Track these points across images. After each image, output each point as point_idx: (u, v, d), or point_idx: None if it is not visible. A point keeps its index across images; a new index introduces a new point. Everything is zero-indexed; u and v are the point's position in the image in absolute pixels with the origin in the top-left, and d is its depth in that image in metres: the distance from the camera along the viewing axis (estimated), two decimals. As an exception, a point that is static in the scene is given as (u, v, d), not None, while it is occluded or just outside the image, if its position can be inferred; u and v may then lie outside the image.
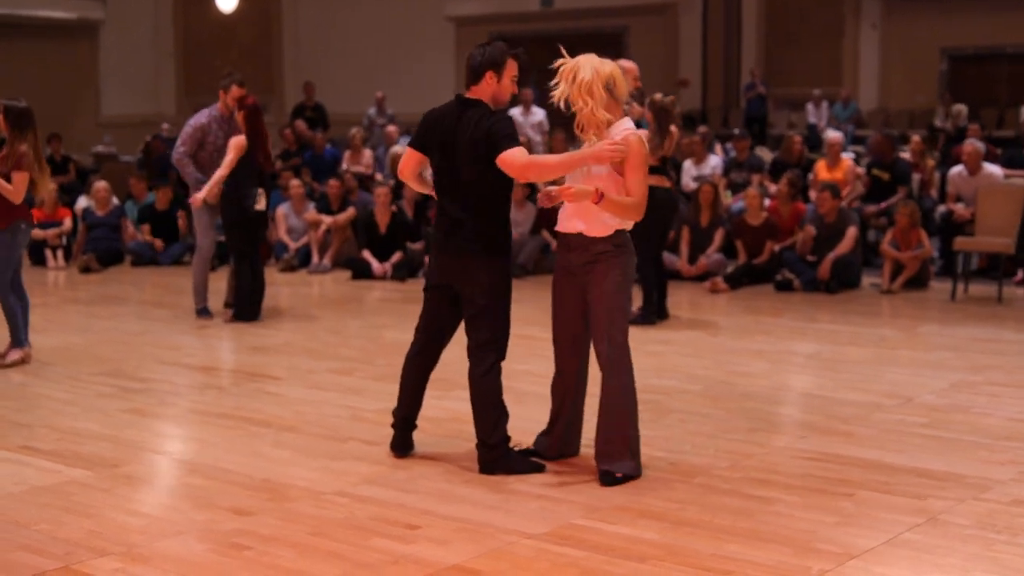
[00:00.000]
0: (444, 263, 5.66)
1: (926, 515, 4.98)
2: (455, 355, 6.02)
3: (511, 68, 5.56)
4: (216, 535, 4.81)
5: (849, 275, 11.99)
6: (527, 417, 6.13)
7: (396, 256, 13.16)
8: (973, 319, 10.23)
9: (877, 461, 5.80)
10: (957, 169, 12.97)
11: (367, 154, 16.76)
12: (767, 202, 13.05)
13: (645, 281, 9.66)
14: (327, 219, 14.05)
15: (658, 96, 9.51)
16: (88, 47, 24.86)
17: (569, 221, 5.50)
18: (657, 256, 9.84)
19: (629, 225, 5.49)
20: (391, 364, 8.09)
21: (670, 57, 22.73)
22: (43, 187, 8.42)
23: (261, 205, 9.85)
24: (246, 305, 10.05)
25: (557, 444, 5.79)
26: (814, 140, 18.29)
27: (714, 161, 14.56)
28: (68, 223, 14.73)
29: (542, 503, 5.19)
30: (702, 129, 17.50)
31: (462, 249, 5.56)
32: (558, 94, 5.41)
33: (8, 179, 8.03)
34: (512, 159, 5.36)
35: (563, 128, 14.72)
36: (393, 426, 5.90)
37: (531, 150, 5.43)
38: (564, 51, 5.45)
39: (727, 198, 13.96)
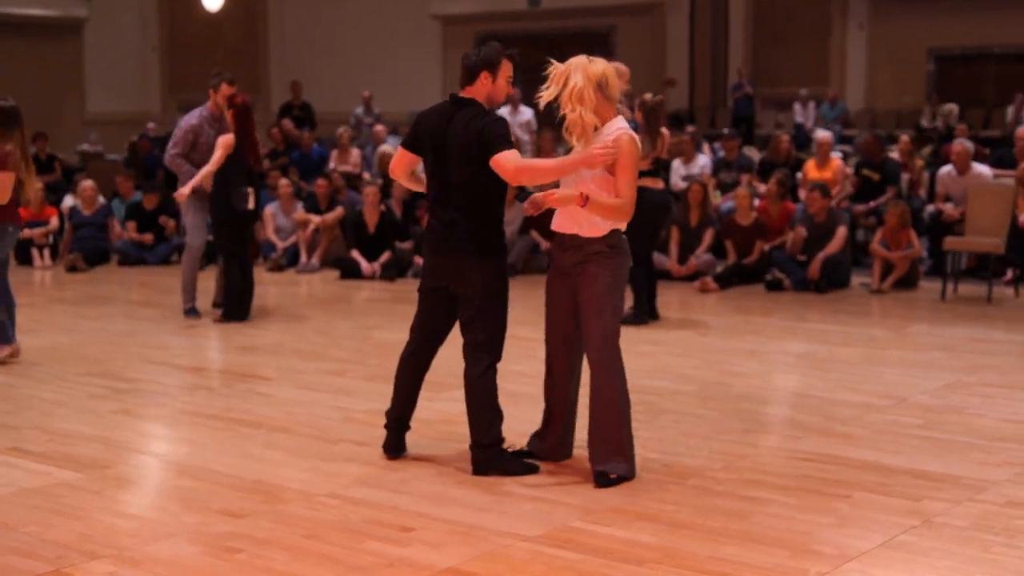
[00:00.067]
0: (437, 264, 5.63)
1: (922, 517, 4.96)
2: (447, 356, 5.99)
3: (506, 69, 5.53)
4: (208, 537, 4.77)
5: (839, 275, 12.00)
6: (520, 418, 6.10)
7: (385, 256, 13.12)
8: (963, 319, 10.24)
9: (872, 462, 5.78)
10: (946, 169, 12.98)
11: (355, 153, 16.72)
12: (756, 202, 13.04)
13: (634, 282, 9.63)
14: (315, 218, 14.00)
15: (648, 96, 9.47)
16: (73, 45, 24.75)
17: (564, 221, 5.47)
18: (647, 256, 9.81)
19: (623, 226, 5.46)
20: (381, 365, 8.07)
21: (657, 57, 22.71)
22: (30, 187, 8.36)
23: (251, 204, 9.79)
24: (235, 305, 9.99)
25: (553, 447, 5.76)
26: (801, 140, 18.31)
27: (703, 160, 14.55)
28: (54, 222, 14.66)
29: (537, 505, 5.16)
30: (690, 128, 17.49)
31: (455, 250, 5.53)
32: (545, 96, 5.39)
33: (-6, 179, 7.97)
34: (505, 163, 5.33)
35: (551, 128, 14.71)
36: (386, 427, 5.86)
37: (519, 149, 5.41)
38: (555, 62, 5.43)
39: (716, 198, 13.95)
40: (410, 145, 5.68)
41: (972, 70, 21.33)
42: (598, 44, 20.03)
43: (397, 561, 4.49)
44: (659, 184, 9.63)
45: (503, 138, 5.37)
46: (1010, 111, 19.31)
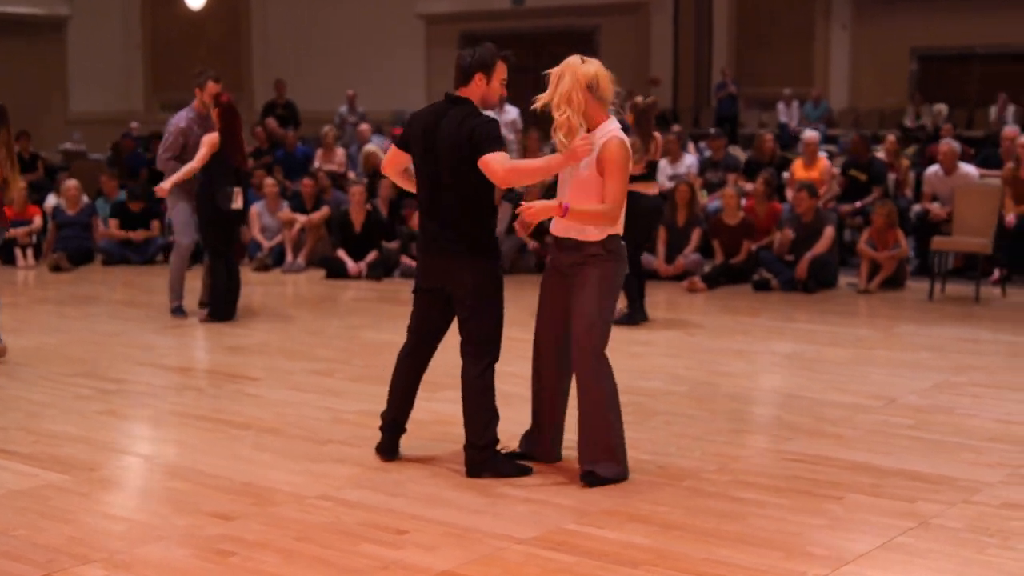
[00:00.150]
0: (430, 265, 5.60)
1: (917, 519, 4.95)
2: (442, 357, 5.95)
3: (500, 70, 5.50)
4: (199, 540, 4.72)
5: (826, 275, 12.00)
6: (512, 419, 6.06)
7: (371, 255, 13.07)
8: (951, 319, 10.25)
9: (864, 463, 5.77)
10: (933, 169, 13.00)
11: (339, 152, 16.66)
12: (743, 201, 13.04)
13: (627, 286, 9.59)
14: (301, 218, 13.95)
15: (639, 99, 9.44)
16: (55, 43, 24.63)
17: (563, 224, 5.44)
18: (635, 258, 9.77)
19: (621, 230, 5.45)
20: (369, 365, 8.04)
21: (641, 56, 22.70)
22: (15, 186, 8.29)
23: (238, 204, 9.73)
24: (221, 304, 9.94)
25: (546, 449, 5.73)
26: (785, 139, 18.32)
27: (689, 160, 14.54)
28: (38, 221, 14.57)
29: (530, 507, 5.13)
30: (676, 128, 17.48)
31: (445, 250, 5.51)
32: (542, 100, 5.37)
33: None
34: (494, 165, 5.30)
35: (537, 127, 14.68)
36: (381, 428, 5.82)
37: (507, 149, 5.42)
38: (551, 71, 5.42)
39: (703, 197, 13.94)
40: (402, 144, 5.66)
41: (955, 70, 21.37)
42: (582, 43, 19.97)
43: (391, 564, 4.46)
44: (652, 189, 9.56)
45: (493, 140, 5.34)
46: (993, 111, 19.35)
